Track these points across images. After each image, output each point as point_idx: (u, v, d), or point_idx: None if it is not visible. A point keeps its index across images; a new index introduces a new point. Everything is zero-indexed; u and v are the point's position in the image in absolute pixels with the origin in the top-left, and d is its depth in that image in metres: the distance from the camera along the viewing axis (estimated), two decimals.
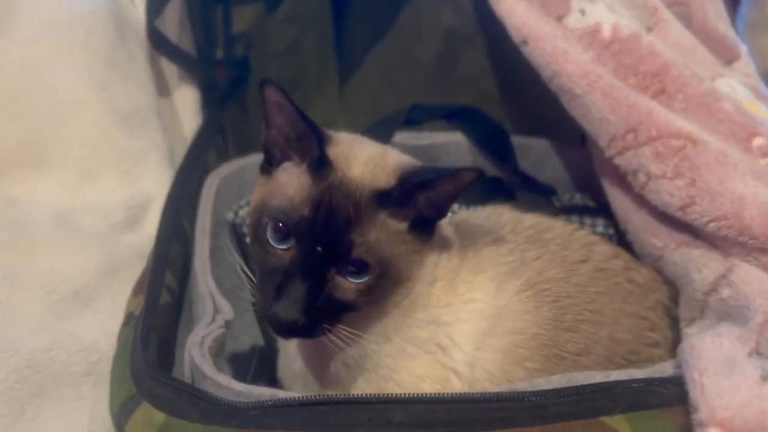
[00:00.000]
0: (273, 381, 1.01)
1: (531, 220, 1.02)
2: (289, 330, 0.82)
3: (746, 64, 1.23)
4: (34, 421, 0.94)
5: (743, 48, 1.24)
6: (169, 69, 1.47)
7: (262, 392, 0.76)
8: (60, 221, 1.14)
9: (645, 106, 1.01)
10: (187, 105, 1.48)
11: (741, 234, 0.88)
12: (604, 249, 1.00)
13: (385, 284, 0.85)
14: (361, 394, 0.76)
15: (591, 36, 1.12)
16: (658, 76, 1.07)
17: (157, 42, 1.39)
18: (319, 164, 0.84)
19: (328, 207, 0.82)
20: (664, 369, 0.81)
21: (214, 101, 1.46)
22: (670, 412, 0.73)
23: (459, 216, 1.07)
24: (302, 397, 0.74)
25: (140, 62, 1.37)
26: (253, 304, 0.85)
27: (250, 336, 1.24)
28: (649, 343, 0.93)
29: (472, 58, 1.54)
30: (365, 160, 0.86)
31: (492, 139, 1.34)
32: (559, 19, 1.15)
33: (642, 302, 0.96)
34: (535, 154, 1.36)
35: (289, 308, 0.79)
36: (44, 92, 1.23)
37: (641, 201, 1.03)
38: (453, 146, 1.35)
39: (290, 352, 0.97)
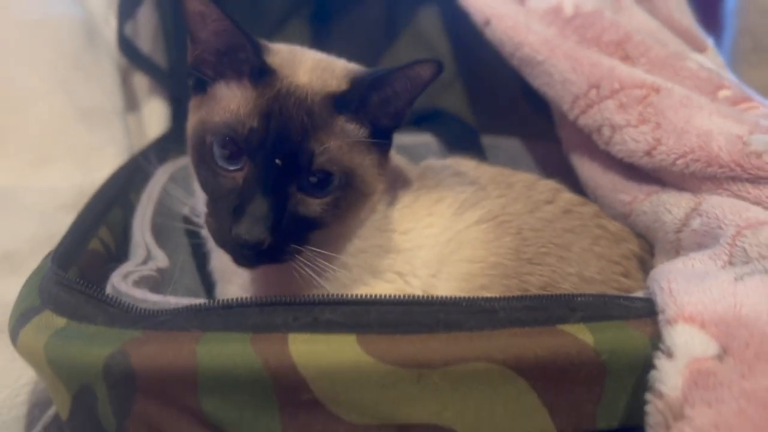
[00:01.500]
0: None
1: (496, 168, 0.98)
2: (255, 256, 0.75)
3: (714, 56, 1.21)
4: None
5: (710, 42, 1.23)
6: (141, 81, 1.47)
7: (179, 301, 0.68)
8: (2, 195, 1.08)
9: (607, 64, 0.98)
10: (156, 117, 1.46)
11: (709, 165, 0.82)
12: (571, 197, 0.95)
13: (350, 196, 0.79)
14: (287, 297, 0.67)
15: (553, 14, 1.11)
16: (621, 45, 1.05)
17: (127, 50, 1.40)
18: (261, 73, 0.79)
19: (280, 116, 0.76)
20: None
21: (184, 116, 1.44)
22: (639, 323, 0.65)
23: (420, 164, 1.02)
24: (223, 301, 0.66)
25: (107, 68, 1.36)
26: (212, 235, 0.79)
27: None
28: (623, 288, 0.86)
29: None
30: (311, 66, 0.82)
31: (461, 139, 1.31)
32: (522, 2, 1.15)
33: (614, 248, 0.89)
34: (507, 153, 1.32)
35: (252, 227, 0.72)
36: (4, 81, 1.21)
37: (608, 160, 0.98)
38: (422, 147, 1.31)
39: (235, 284, 0.90)
